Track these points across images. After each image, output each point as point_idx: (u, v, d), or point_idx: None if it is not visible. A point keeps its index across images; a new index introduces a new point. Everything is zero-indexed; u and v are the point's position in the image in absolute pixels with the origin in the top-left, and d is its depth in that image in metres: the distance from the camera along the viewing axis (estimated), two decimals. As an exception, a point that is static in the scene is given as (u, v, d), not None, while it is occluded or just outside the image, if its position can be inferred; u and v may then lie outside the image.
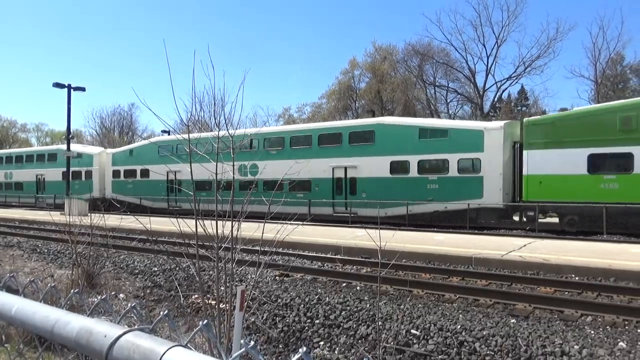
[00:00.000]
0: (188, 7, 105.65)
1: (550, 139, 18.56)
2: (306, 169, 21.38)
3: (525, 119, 20.47)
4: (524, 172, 19.00)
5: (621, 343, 6.33)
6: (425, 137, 21.55)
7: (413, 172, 21.76)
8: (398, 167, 22.23)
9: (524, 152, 19.09)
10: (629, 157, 17.12)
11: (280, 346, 7.52)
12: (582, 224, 17.83)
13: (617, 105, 18.60)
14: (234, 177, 5.27)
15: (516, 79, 50.99)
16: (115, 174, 33.73)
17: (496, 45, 49.61)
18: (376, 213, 20.29)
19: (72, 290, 1.63)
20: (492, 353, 6.32)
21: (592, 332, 6.84)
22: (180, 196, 27.84)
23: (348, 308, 8.04)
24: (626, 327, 7.12)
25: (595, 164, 17.80)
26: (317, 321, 7.83)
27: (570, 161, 17.99)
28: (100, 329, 1.14)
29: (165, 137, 32.58)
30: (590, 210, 17.57)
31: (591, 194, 17.65)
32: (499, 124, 21.08)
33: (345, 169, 23.85)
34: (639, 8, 63.88)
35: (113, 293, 9.80)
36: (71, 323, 1.23)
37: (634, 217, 16.52)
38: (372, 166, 22.80)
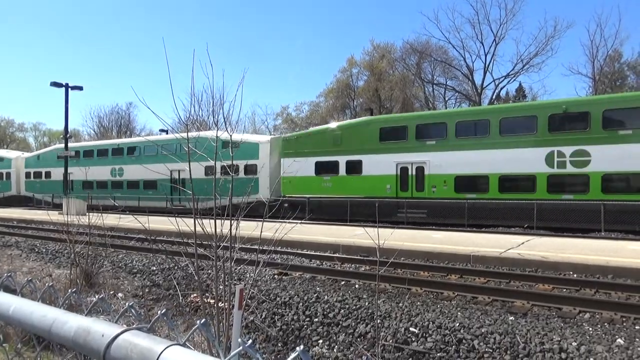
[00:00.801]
0: (187, 7, 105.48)
1: (295, 150, 26.03)
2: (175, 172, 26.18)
3: (282, 136, 29.84)
4: (281, 174, 25.85)
5: (619, 340, 6.35)
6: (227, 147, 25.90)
7: (219, 174, 26.67)
8: (209, 171, 25.78)
9: (281, 160, 26.58)
10: (337, 164, 24.86)
11: (279, 345, 7.53)
12: (317, 211, 23.55)
13: (330, 127, 26.93)
14: (232, 176, 5.26)
15: (514, 76, 51.10)
16: (27, 175, 41.48)
17: (494, 43, 49.68)
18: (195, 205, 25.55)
19: (70, 290, 1.63)
20: (491, 350, 6.34)
21: (590, 329, 6.86)
22: (73, 193, 33.77)
23: (347, 306, 8.05)
24: (624, 324, 7.14)
25: (319, 168, 25.33)
26: (316, 319, 7.83)
27: (306, 166, 24.92)
28: (98, 328, 1.14)
29: (62, 145, 37.80)
30: (318, 202, 24.80)
31: (318, 190, 25.20)
32: (267, 138, 29.40)
33: (179, 172, 27.22)
34: (635, 5, 63.94)
35: (111, 292, 9.79)
36: (69, 322, 1.23)
37: (368, 208, 22.16)
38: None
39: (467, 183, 21.34)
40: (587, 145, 18.74)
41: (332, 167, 24.87)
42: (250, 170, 26.02)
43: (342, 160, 24.55)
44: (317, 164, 25.22)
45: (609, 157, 18.30)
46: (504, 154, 20.37)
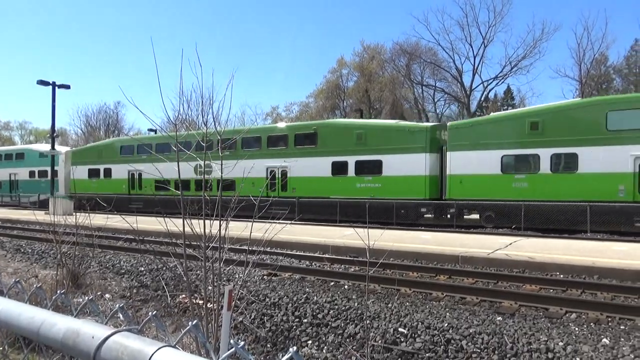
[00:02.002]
0: (176, 6, 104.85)
1: (80, 160, 34.33)
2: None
3: (73, 149, 39.59)
4: (72, 177, 33.18)
5: (605, 339, 6.44)
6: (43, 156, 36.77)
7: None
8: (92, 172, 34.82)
9: (72, 167, 33.10)
10: (99, 170, 31.67)
11: (269, 345, 7.51)
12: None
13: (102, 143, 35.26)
14: (222, 176, 5.24)
15: (502, 78, 51.65)
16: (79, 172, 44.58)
17: (483, 45, 50.15)
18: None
19: (58, 291, 1.61)
20: (479, 350, 6.38)
21: (577, 328, 6.95)
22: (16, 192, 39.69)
23: (336, 307, 8.05)
24: (609, 324, 7.24)
25: (90, 173, 34.20)
26: (306, 320, 7.83)
27: (82, 171, 32.97)
28: (88, 330, 1.13)
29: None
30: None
31: (90, 188, 32.31)
32: (65, 149, 38.26)
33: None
34: (622, 10, 64.94)
35: (99, 293, 9.69)
36: (58, 324, 1.22)
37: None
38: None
39: None
40: None
41: (97, 172, 33.81)
42: (55, 173, 33.76)
43: (102, 167, 33.58)
44: (90, 170, 33.77)
45: None
46: None
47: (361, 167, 23.27)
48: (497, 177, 20.22)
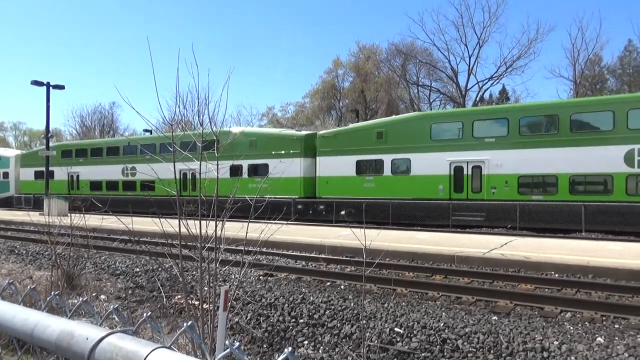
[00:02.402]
0: (171, 6, 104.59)
1: (26, 163, 38.13)
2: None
3: (22, 152, 42.80)
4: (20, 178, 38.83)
5: (599, 338, 6.47)
6: None
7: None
8: (38, 174, 37.55)
9: (20, 169, 38.95)
10: (42, 172, 31.91)
11: (265, 346, 7.50)
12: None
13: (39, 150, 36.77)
14: (218, 176, 5.23)
15: (497, 79, 51.77)
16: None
17: (478, 45, 50.27)
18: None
19: (52, 292, 1.60)
20: (474, 350, 6.40)
21: (571, 327, 6.98)
22: None
23: (332, 307, 8.05)
24: (604, 323, 7.28)
25: (36, 175, 36.55)
26: (302, 320, 7.82)
27: (29, 174, 37.73)
28: (82, 332, 1.12)
29: None
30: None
31: (34, 188, 36.17)
32: (15, 153, 42.58)
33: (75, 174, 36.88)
34: (616, 10, 65.30)
35: (94, 294, 9.65)
36: (51, 326, 1.21)
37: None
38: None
39: None
40: None
41: (42, 174, 34.90)
42: (5, 175, 39.63)
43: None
44: (36, 172, 36.58)
45: None
46: None
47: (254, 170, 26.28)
48: (353, 178, 23.98)
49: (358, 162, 23.89)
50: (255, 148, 26.17)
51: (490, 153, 20.62)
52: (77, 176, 34.86)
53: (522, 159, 19.96)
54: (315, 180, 25.18)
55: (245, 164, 25.97)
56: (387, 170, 23.11)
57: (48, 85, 29.72)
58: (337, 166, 24.31)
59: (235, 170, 25.58)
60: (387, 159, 23.03)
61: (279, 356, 0.95)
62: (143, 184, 28.12)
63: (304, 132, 27.52)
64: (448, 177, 21.56)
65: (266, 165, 25.36)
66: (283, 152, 25.16)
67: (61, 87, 30.56)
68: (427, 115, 26.18)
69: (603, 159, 18.41)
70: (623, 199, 18.10)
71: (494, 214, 19.98)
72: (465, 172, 21.28)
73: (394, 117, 26.74)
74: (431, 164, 21.85)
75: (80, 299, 1.53)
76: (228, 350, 1.00)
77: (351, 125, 27.67)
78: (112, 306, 1.39)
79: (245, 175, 25.93)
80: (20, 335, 1.33)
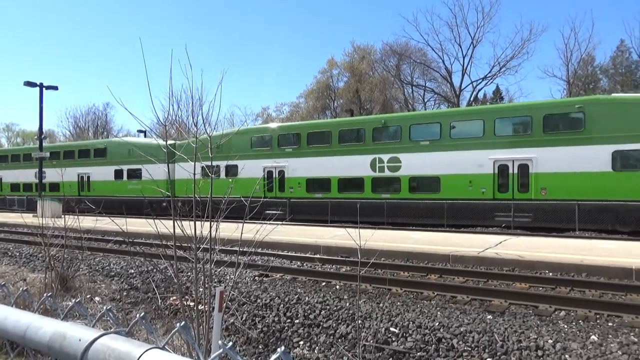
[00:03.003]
0: (165, 6, 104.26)
1: None
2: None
3: None
4: None
5: (593, 336, 6.51)
6: None
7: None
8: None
9: None
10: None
11: (260, 347, 7.49)
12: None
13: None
14: (212, 177, 5.22)
15: (491, 79, 51.93)
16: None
17: (472, 45, 50.42)
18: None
19: (45, 294, 1.59)
20: (470, 349, 6.42)
21: (566, 326, 7.01)
22: None
23: (328, 307, 8.06)
24: (598, 321, 7.32)
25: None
26: (297, 321, 7.82)
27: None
28: (75, 333, 1.12)
29: None
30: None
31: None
32: None
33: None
34: (608, 11, 65.75)
35: (88, 296, 9.60)
36: (44, 327, 1.20)
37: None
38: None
39: None
40: None
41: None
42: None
43: None
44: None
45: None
46: None
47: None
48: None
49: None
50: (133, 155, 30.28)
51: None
52: (0, 178, 40.10)
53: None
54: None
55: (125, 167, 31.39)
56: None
57: (41, 86, 29.55)
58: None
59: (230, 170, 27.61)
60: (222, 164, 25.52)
61: (272, 356, 0.95)
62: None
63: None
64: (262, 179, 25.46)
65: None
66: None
67: (54, 88, 30.40)
68: (250, 129, 29.98)
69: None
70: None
71: None
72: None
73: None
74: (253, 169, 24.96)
75: (74, 300, 1.53)
76: (222, 350, 1.00)
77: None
78: (104, 307, 1.38)
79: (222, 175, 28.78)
80: (12, 337, 1.32)
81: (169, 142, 5.32)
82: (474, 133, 21.23)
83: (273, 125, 30.74)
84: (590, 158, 18.53)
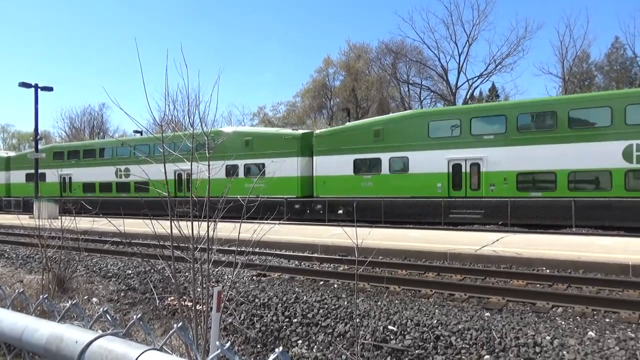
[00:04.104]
0: (160, 5, 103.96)
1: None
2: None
3: None
4: None
5: (590, 332, 6.53)
6: None
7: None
8: None
9: None
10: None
11: (259, 346, 7.49)
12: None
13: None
14: (209, 177, 5.20)
15: (487, 76, 51.99)
16: None
17: (467, 43, 50.44)
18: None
19: (41, 296, 1.59)
20: (468, 346, 6.43)
21: (563, 322, 7.04)
22: None
23: (326, 306, 8.06)
24: (595, 317, 7.35)
25: None
26: (295, 320, 7.82)
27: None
28: (71, 335, 1.11)
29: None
30: None
31: None
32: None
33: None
34: (602, 8, 65.97)
35: (86, 297, 9.58)
36: (40, 330, 1.20)
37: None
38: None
39: None
40: None
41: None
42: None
43: None
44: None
45: None
46: None
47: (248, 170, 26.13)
48: (350, 177, 23.62)
49: (355, 161, 23.51)
50: (251, 148, 25.90)
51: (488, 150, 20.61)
52: (70, 178, 34.79)
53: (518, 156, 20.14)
54: (312, 179, 24.88)
55: (241, 163, 25.68)
56: (385, 169, 22.78)
57: (36, 87, 29.44)
58: (334, 165, 23.90)
59: (230, 170, 25.24)
60: (384, 157, 22.72)
61: (271, 356, 0.94)
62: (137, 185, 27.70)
63: (300, 131, 27.03)
64: (447, 175, 21.49)
65: (262, 165, 25.14)
66: (279, 151, 24.59)
67: (49, 89, 30.30)
68: (425, 113, 25.98)
69: None
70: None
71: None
72: (463, 169, 21.26)
73: (391, 114, 26.36)
74: (430, 162, 21.67)
75: (70, 302, 1.52)
76: (219, 350, 1.00)
77: (348, 124, 26.96)
78: (101, 309, 1.37)
79: (241, 175, 25.66)
80: (8, 339, 1.31)
81: (302, 131, 5.26)
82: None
83: (462, 106, 28.06)
84: None
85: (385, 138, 22.72)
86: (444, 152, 21.32)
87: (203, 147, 5.12)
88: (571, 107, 19.47)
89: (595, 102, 19.56)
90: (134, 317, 1.29)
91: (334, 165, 23.85)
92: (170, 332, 1.21)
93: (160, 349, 1.02)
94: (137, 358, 0.97)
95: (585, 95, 23.52)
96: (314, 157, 24.81)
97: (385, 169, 22.73)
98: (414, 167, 22.06)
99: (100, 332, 1.17)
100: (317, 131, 26.88)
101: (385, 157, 22.63)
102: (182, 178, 27.24)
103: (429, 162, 21.65)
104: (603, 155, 18.20)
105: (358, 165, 23.52)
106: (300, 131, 27.08)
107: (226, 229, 5.30)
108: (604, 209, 17.87)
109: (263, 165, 25.10)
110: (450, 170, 21.36)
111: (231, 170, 25.26)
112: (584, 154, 18.55)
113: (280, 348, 0.92)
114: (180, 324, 1.16)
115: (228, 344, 0.96)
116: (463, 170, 21.15)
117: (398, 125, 23.07)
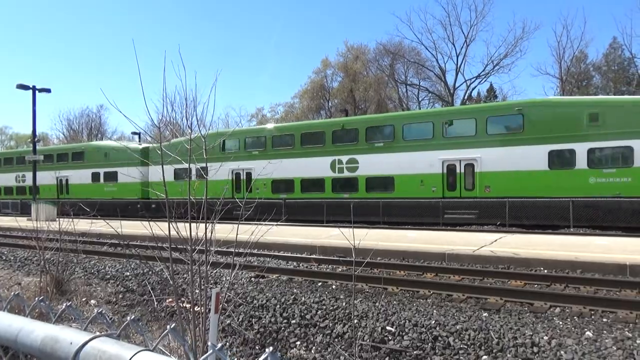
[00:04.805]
0: (158, 7, 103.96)
1: None
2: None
3: None
4: None
5: (588, 332, 6.55)
6: None
7: None
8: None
9: None
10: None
11: (257, 347, 7.49)
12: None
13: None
14: (207, 178, 5.21)
15: (485, 77, 52.12)
16: None
17: (465, 44, 50.56)
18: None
19: (37, 298, 1.59)
20: (466, 347, 6.44)
21: (561, 322, 7.05)
22: None
23: (324, 307, 8.06)
24: (592, 317, 7.37)
25: None
26: (294, 321, 7.82)
27: None
28: (66, 336, 1.12)
29: None
30: None
31: None
32: None
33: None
34: (599, 9, 66.14)
35: (84, 299, 9.57)
36: (36, 331, 1.21)
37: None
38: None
39: None
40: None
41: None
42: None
43: None
44: None
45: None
46: None
47: None
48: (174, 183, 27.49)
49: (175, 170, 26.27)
50: (108, 158, 32.72)
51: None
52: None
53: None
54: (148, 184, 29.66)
55: (102, 171, 33.17)
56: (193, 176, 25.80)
57: (34, 89, 29.42)
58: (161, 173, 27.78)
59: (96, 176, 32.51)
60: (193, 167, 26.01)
61: (261, 357, 0.95)
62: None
63: (142, 145, 32.54)
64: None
65: (115, 173, 31.99)
66: (126, 162, 30.50)
67: (47, 91, 30.28)
68: (220, 133, 30.93)
69: None
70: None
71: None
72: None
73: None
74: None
75: (65, 304, 1.53)
76: (212, 351, 1.01)
77: (173, 140, 31.40)
78: (96, 310, 1.38)
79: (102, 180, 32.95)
80: (4, 341, 1.32)
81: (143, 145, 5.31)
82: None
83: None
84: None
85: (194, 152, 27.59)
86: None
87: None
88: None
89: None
90: (129, 318, 1.30)
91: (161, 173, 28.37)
92: (163, 333, 1.21)
93: (154, 350, 1.03)
94: (131, 359, 0.98)
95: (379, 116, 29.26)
96: (149, 167, 29.90)
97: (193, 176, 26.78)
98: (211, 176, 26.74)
99: (97, 333, 1.17)
100: (151, 145, 31.14)
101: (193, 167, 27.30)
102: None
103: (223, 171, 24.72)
104: None
105: (179, 173, 27.08)
106: (143, 145, 32.83)
107: (224, 231, 5.31)
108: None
109: (116, 173, 31.83)
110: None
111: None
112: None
113: (270, 348, 0.93)
114: (174, 325, 1.17)
115: (219, 345, 0.97)
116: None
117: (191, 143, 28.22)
